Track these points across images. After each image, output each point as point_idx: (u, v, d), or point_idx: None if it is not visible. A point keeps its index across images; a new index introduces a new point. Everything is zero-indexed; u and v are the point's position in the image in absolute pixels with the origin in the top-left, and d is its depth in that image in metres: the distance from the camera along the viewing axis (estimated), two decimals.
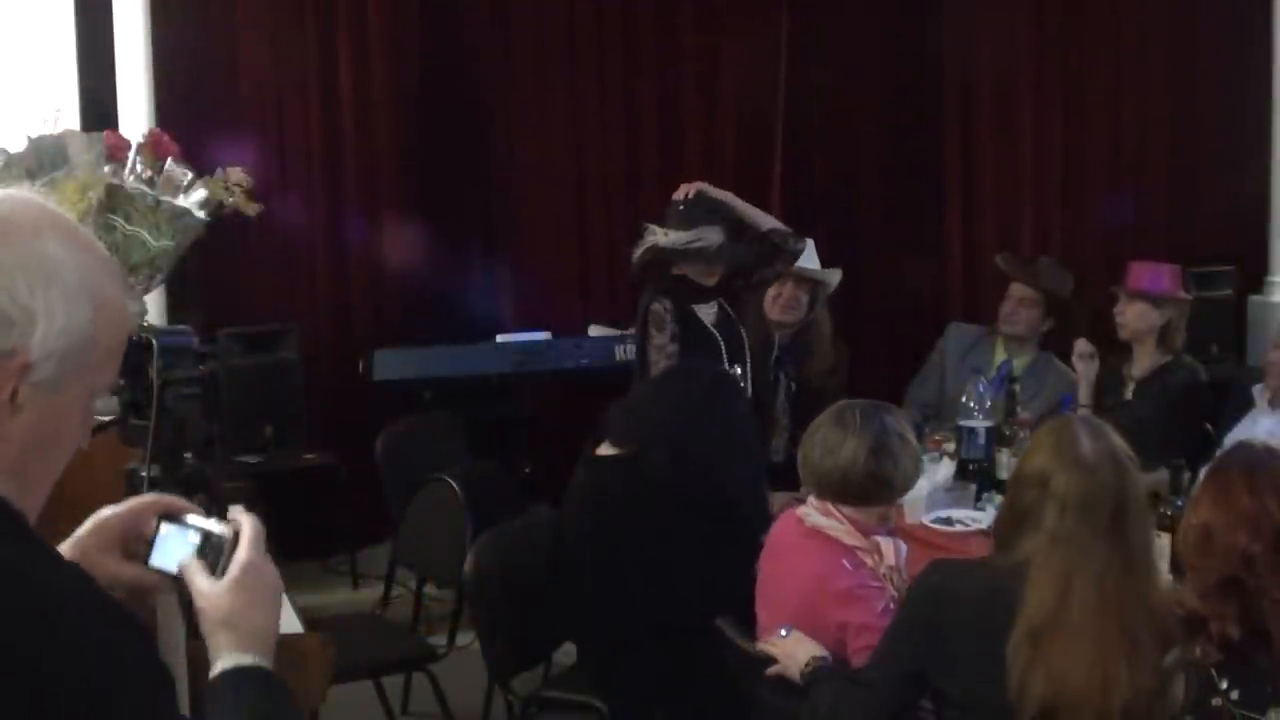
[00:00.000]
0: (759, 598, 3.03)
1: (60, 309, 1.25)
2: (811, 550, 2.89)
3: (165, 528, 1.48)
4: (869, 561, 2.86)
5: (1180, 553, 2.26)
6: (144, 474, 1.76)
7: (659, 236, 4.23)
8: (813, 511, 2.96)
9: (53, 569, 1.25)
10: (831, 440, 2.90)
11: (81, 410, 1.32)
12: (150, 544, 1.48)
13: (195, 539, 1.46)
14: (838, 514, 2.91)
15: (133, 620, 1.29)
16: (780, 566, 3.00)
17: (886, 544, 2.89)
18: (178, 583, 1.45)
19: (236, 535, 1.44)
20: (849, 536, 2.87)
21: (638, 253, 4.26)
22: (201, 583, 1.41)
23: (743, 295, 4.73)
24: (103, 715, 1.17)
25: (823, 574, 2.85)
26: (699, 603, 3.13)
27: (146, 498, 1.53)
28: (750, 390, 4.29)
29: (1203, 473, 3.73)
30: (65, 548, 1.46)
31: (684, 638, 3.17)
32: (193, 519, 1.48)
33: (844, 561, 2.85)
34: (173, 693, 1.26)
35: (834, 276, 4.76)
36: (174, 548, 1.47)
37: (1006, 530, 2.41)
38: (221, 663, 1.39)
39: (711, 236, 4.23)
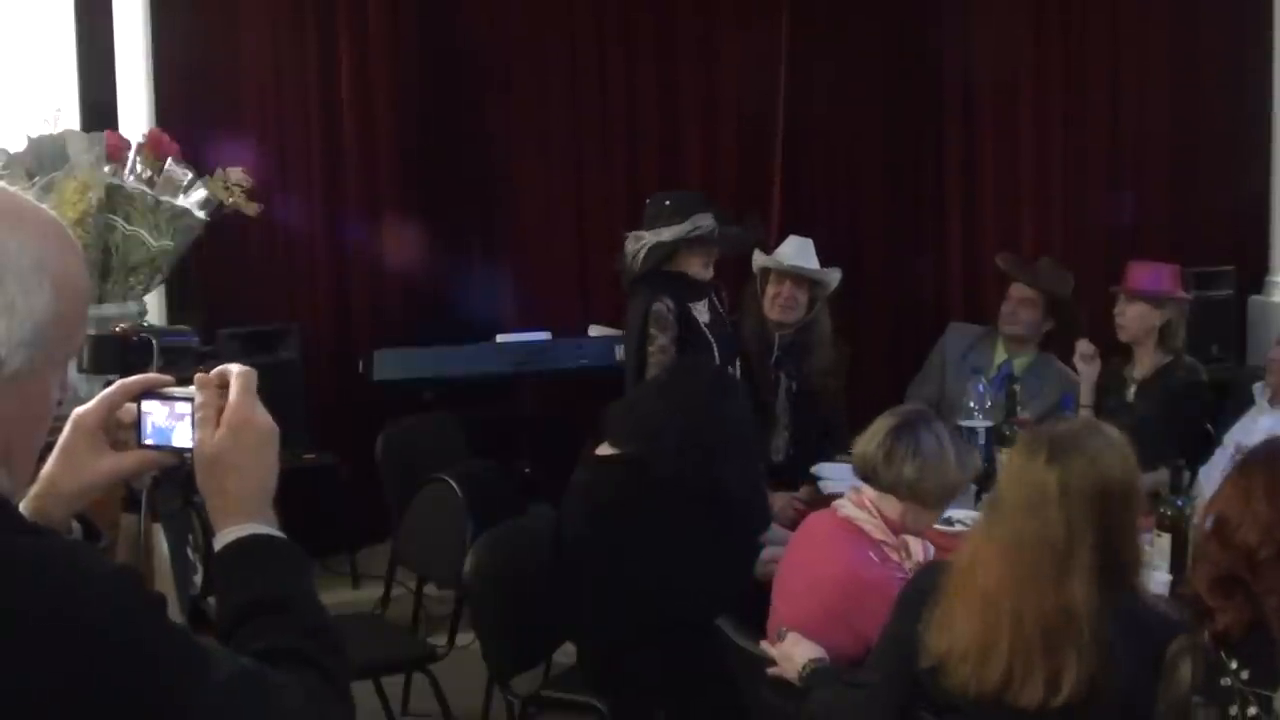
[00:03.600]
0: (776, 588, 3.03)
1: (20, 299, 1.23)
2: (840, 540, 2.92)
3: (147, 405, 1.47)
4: (895, 557, 2.88)
5: (1193, 537, 2.27)
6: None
7: (654, 235, 4.24)
8: (847, 503, 2.98)
9: (41, 545, 1.25)
10: (932, 450, 2.91)
11: (56, 381, 1.32)
12: (137, 427, 1.47)
13: (183, 408, 1.44)
14: (871, 507, 2.93)
15: (113, 564, 1.30)
16: (806, 555, 3.01)
17: (915, 542, 2.93)
18: (180, 454, 1.44)
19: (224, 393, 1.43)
20: (878, 531, 2.90)
21: (639, 255, 4.26)
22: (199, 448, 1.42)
23: (741, 292, 4.75)
24: (103, 653, 1.17)
25: (850, 563, 2.87)
26: (699, 602, 3.13)
27: (116, 385, 1.50)
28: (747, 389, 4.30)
29: (1201, 472, 3.75)
30: (54, 461, 1.46)
31: (684, 637, 3.17)
32: (172, 390, 1.47)
33: (870, 554, 2.87)
34: (160, 610, 1.26)
35: (833, 276, 4.76)
36: (163, 421, 1.46)
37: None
38: (219, 538, 1.39)
39: (705, 222, 4.26)
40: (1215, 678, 2.07)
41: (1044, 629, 2.23)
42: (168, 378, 1.50)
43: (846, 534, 2.92)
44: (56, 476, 1.46)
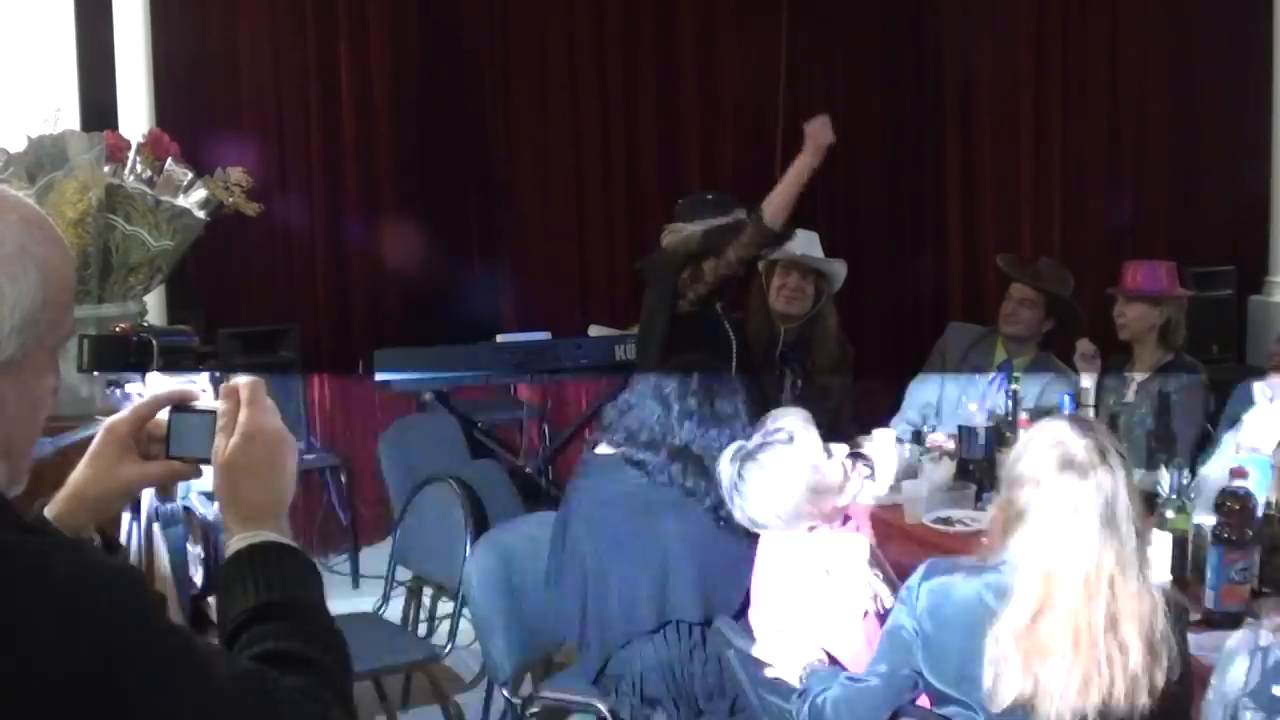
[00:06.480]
0: (752, 601, 3.02)
1: (7, 286, 1.25)
2: (786, 557, 2.89)
3: (176, 417, 1.49)
4: (841, 563, 2.84)
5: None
6: None
7: (701, 225, 4.27)
8: None
9: (34, 541, 1.25)
10: (758, 497, 2.84)
11: (49, 368, 1.33)
12: (166, 438, 1.49)
13: (209, 420, 1.46)
14: None
15: (115, 562, 1.32)
16: (763, 572, 3.00)
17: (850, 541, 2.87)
18: (203, 465, 1.46)
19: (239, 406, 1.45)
20: (813, 544, 2.85)
21: (691, 239, 4.28)
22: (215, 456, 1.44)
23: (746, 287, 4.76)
24: (104, 652, 1.17)
25: (797, 580, 2.84)
26: (698, 600, 3.12)
27: (148, 397, 1.52)
28: (750, 385, 4.32)
29: (1200, 472, 3.74)
30: (83, 466, 1.48)
31: (683, 637, 3.17)
32: (200, 403, 1.49)
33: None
34: (161, 610, 1.26)
35: (839, 267, 4.78)
36: (189, 434, 1.48)
37: (999, 529, 2.41)
38: (231, 545, 1.40)
39: (744, 216, 4.31)
40: (1268, 685, 2.05)
41: (1141, 637, 2.23)
42: (197, 391, 1.53)
43: (788, 554, 2.88)
44: (84, 482, 1.48)
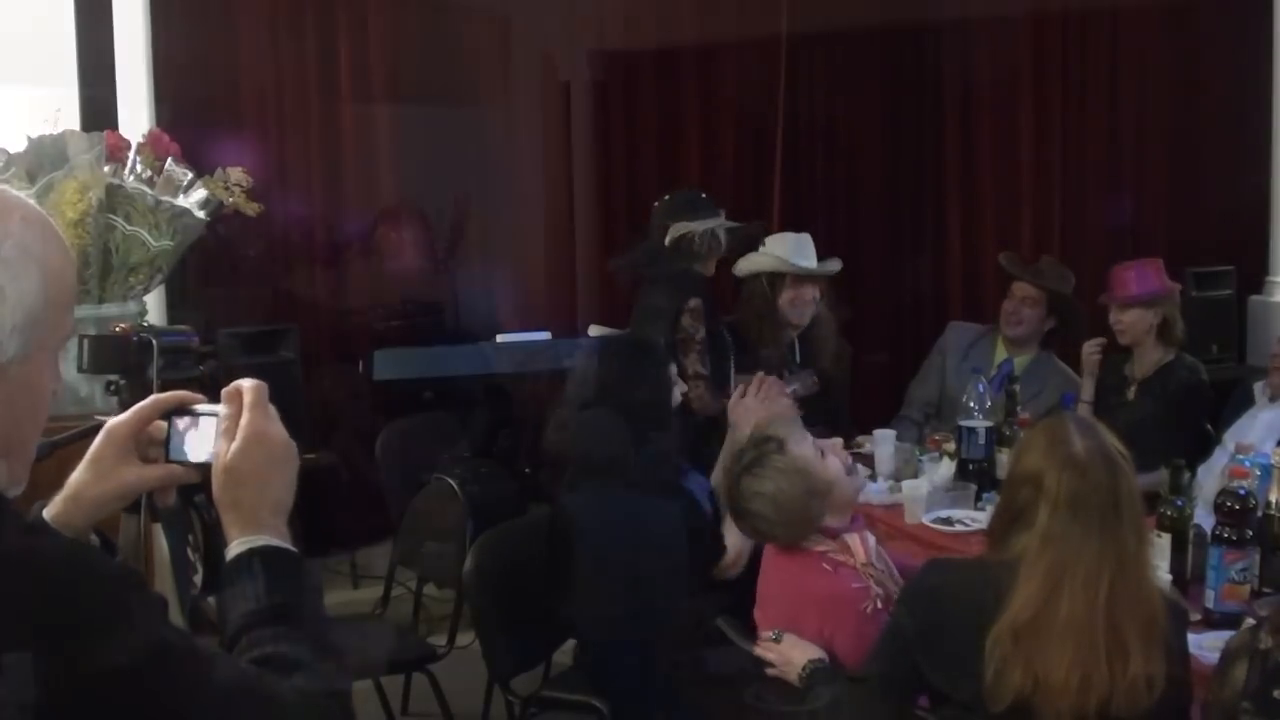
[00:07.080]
0: (757, 600, 3.03)
1: (9, 286, 1.25)
2: (789, 560, 2.89)
3: (176, 421, 1.49)
4: (845, 559, 2.84)
5: None
6: None
7: (703, 224, 4.28)
8: None
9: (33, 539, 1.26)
10: (764, 508, 2.83)
11: (49, 369, 1.33)
12: (166, 441, 1.49)
13: (209, 424, 1.46)
14: None
15: (116, 564, 1.33)
16: (768, 571, 3.00)
17: (854, 540, 2.86)
18: (202, 469, 1.46)
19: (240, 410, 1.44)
20: (818, 543, 2.85)
21: (702, 238, 4.30)
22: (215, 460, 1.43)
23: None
24: (105, 652, 1.18)
25: (803, 580, 2.84)
26: (677, 582, 3.14)
27: (149, 400, 1.52)
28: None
29: (1200, 471, 3.74)
30: (82, 469, 1.48)
31: (681, 637, 3.17)
32: (201, 407, 1.49)
33: (822, 565, 2.83)
34: (162, 611, 1.26)
35: (835, 266, 4.84)
36: (189, 437, 1.48)
37: (1000, 528, 2.42)
38: (231, 548, 1.40)
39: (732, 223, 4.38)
40: (1269, 688, 2.04)
41: (1141, 638, 2.23)
42: (199, 395, 1.52)
43: (792, 553, 2.89)
44: (83, 484, 1.48)
